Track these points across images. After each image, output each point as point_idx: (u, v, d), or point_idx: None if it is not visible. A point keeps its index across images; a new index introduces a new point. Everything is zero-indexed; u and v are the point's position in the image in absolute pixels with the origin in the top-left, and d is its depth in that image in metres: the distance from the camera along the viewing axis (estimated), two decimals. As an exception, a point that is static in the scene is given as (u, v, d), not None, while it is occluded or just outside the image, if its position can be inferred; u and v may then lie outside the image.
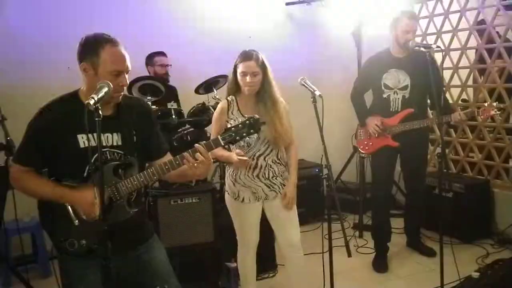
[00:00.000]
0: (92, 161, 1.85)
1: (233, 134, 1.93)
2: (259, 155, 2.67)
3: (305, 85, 2.54)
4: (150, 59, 4.20)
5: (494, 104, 3.32)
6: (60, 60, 3.97)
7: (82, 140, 1.89)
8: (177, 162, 1.94)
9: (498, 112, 3.29)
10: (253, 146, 2.65)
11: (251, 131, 1.93)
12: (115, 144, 1.96)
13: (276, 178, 2.71)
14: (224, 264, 3.32)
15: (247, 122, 1.93)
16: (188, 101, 4.12)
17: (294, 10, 5.03)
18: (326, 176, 2.45)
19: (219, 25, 4.65)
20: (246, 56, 2.58)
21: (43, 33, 3.99)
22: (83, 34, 1.92)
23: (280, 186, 2.73)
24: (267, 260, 3.50)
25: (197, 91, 4.01)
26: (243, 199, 2.72)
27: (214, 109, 3.77)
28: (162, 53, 4.21)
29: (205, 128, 3.91)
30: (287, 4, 4.95)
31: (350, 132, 4.35)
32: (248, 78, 2.56)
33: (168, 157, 2.11)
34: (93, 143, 1.84)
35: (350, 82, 3.78)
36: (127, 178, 1.94)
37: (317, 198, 4.68)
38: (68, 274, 1.99)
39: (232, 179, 2.73)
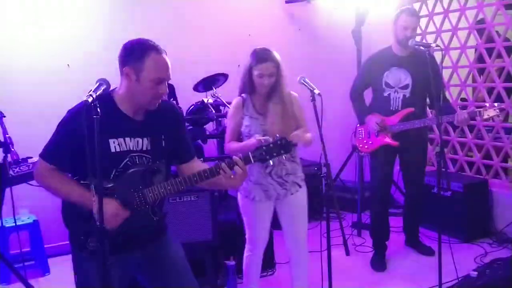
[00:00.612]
0: (121, 166, 1.87)
1: (264, 153, 1.94)
2: None
3: (304, 83, 2.54)
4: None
5: (496, 104, 3.30)
6: (60, 58, 3.98)
7: (113, 144, 1.88)
8: (206, 174, 1.93)
9: (499, 113, 3.28)
10: None
11: (282, 151, 1.96)
12: (144, 148, 1.95)
13: (288, 176, 2.69)
14: (222, 262, 3.32)
15: (279, 142, 1.95)
16: (187, 99, 4.11)
17: (293, 8, 5.02)
18: (324, 174, 2.45)
19: (218, 22, 4.64)
20: (263, 57, 2.55)
21: (42, 30, 3.98)
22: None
23: (292, 185, 2.71)
24: (266, 258, 3.49)
25: (196, 88, 4.00)
26: (254, 197, 2.70)
27: (213, 108, 3.79)
28: (161, 52, 4.19)
29: (204, 126, 3.90)
30: (287, 2, 4.94)
31: (349, 130, 4.34)
32: (265, 81, 2.55)
33: (196, 162, 2.11)
34: (123, 148, 1.88)
35: (349, 80, 3.77)
36: (154, 185, 1.93)
37: (316, 196, 4.67)
38: (85, 272, 1.98)
39: None
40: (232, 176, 1.93)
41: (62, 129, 1.91)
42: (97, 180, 1.66)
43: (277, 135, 1.98)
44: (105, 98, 1.89)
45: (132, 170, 1.91)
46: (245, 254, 2.90)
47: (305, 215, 2.79)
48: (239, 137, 2.70)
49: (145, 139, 1.95)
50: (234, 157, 1.94)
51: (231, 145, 2.65)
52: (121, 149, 1.89)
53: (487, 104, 3.36)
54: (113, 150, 1.88)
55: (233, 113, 2.70)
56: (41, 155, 1.94)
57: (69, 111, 1.91)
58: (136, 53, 1.85)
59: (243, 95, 2.69)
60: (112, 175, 1.88)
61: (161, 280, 2.07)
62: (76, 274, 2.01)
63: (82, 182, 1.90)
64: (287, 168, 2.68)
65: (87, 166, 1.84)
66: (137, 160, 1.93)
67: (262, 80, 2.55)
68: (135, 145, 1.93)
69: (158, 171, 1.97)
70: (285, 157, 2.50)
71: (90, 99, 1.64)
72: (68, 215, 1.98)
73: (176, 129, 2.07)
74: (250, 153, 1.94)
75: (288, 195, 2.72)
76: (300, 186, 2.75)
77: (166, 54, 1.90)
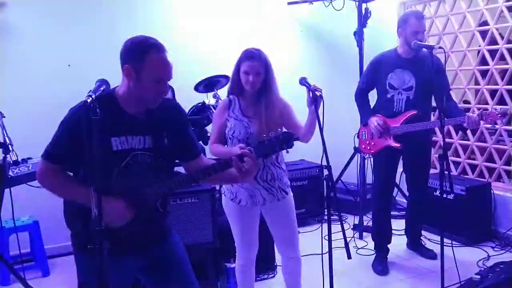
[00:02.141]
0: (123, 165, 1.84)
1: (265, 148, 1.91)
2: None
3: (306, 85, 2.52)
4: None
5: (498, 108, 3.26)
6: (61, 58, 3.97)
7: (115, 143, 1.86)
8: (214, 167, 1.92)
9: (503, 118, 3.24)
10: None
11: (283, 146, 1.91)
12: (146, 146, 1.93)
13: (274, 181, 2.64)
14: (223, 264, 3.30)
15: (281, 137, 1.90)
16: (188, 100, 4.10)
17: (296, 9, 5.01)
18: (326, 177, 2.43)
19: (220, 23, 4.63)
20: (250, 55, 2.54)
21: (44, 30, 3.97)
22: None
23: (278, 191, 2.65)
24: (266, 260, 3.48)
25: (196, 88, 3.99)
26: (240, 201, 2.65)
27: (215, 109, 3.78)
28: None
29: (205, 128, 3.89)
30: (289, 3, 4.93)
31: (351, 132, 4.33)
32: (250, 78, 2.53)
33: (202, 159, 2.09)
34: (125, 146, 1.86)
35: (351, 82, 3.77)
36: (159, 182, 1.91)
37: (317, 198, 4.66)
38: (88, 273, 1.94)
39: None
40: (243, 169, 1.90)
41: (62, 128, 1.89)
42: (95, 182, 1.63)
43: (279, 129, 1.94)
44: (107, 96, 1.88)
45: (135, 168, 1.89)
46: (236, 267, 2.81)
47: (294, 220, 2.73)
48: (224, 139, 2.65)
49: (147, 137, 1.94)
50: (242, 150, 1.91)
51: (216, 148, 2.61)
52: (123, 147, 1.87)
53: (489, 108, 3.33)
54: (115, 148, 1.86)
55: (218, 114, 2.66)
56: (43, 156, 1.92)
57: (70, 110, 1.89)
58: (136, 52, 1.82)
59: (230, 96, 2.67)
60: (114, 174, 1.86)
61: (166, 282, 2.04)
62: (78, 275, 1.99)
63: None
64: (273, 172, 2.63)
65: (85, 166, 1.83)
66: (139, 158, 1.91)
67: (248, 77, 2.52)
68: (137, 142, 1.91)
69: (161, 169, 1.95)
70: (270, 161, 2.56)
71: (89, 100, 1.62)
72: (69, 215, 1.96)
73: (179, 126, 2.05)
74: (252, 148, 1.91)
75: (274, 200, 2.66)
76: (286, 193, 2.70)
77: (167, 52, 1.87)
